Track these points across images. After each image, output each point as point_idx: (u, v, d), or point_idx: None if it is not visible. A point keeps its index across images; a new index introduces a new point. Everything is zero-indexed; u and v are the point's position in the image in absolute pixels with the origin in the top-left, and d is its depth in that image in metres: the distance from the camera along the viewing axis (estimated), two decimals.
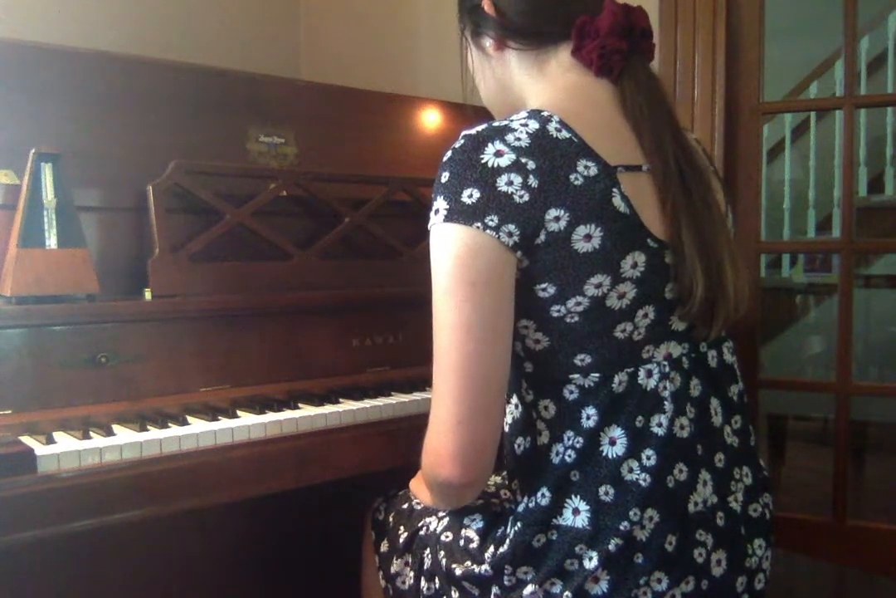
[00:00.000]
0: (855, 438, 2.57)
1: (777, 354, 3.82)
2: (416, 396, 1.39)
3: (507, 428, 1.03)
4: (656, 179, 0.94)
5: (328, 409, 1.29)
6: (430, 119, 1.95)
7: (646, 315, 0.94)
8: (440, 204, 0.90)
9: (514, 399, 1.02)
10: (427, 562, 1.11)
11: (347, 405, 1.32)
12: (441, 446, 0.90)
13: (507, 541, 0.97)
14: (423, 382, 1.45)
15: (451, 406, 0.89)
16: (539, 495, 0.96)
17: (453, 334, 0.88)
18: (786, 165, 4.49)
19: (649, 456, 0.94)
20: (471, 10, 1.06)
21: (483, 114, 2.10)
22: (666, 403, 0.95)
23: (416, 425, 1.33)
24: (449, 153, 0.92)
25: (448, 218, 0.89)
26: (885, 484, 2.92)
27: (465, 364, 0.88)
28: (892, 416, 3.27)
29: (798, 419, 3.52)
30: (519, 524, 0.97)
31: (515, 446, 1.01)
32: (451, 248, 0.89)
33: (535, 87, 1.03)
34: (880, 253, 3.77)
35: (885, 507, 2.49)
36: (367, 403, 1.34)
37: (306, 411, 1.29)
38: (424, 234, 1.67)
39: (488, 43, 1.05)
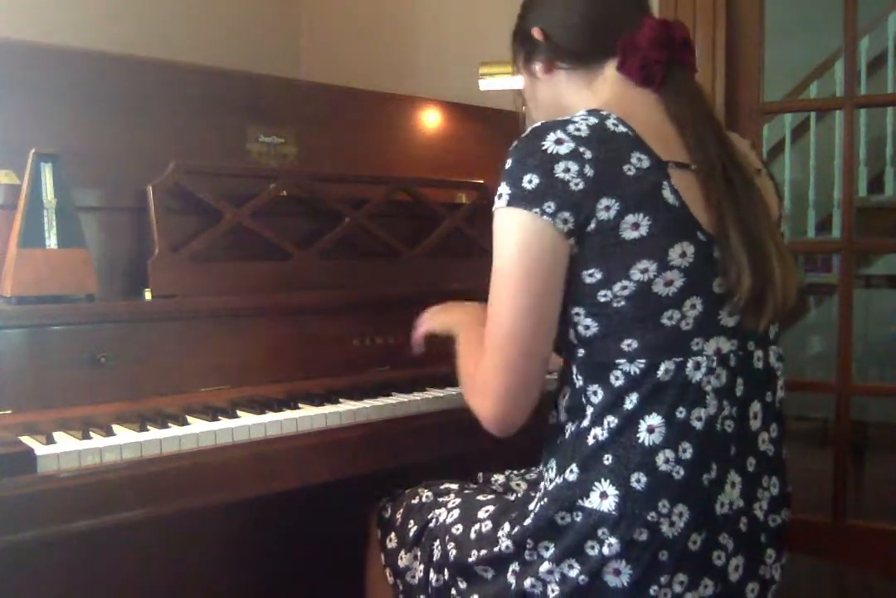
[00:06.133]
0: (855, 438, 2.57)
1: None
2: (417, 396, 1.39)
3: (562, 417, 1.05)
4: (700, 175, 0.99)
5: (328, 409, 1.29)
6: (430, 119, 1.95)
7: (693, 306, 0.97)
8: (503, 189, 0.97)
9: (567, 389, 1.04)
10: (436, 554, 1.12)
11: (347, 405, 1.32)
12: (484, 409, 1.01)
13: (532, 516, 1.00)
14: (424, 382, 1.45)
15: (495, 379, 0.99)
16: (568, 471, 0.98)
17: (505, 315, 0.97)
18: (786, 165, 4.48)
19: (685, 449, 0.95)
20: (523, 39, 1.14)
21: (485, 114, 2.10)
22: (708, 397, 0.97)
23: (416, 425, 1.34)
24: (515, 142, 0.99)
25: (510, 203, 0.96)
26: (885, 484, 2.92)
27: (512, 344, 0.97)
28: (892, 416, 3.27)
29: (798, 419, 3.52)
30: (545, 499, 0.99)
31: (564, 431, 1.03)
32: (512, 232, 0.96)
33: (585, 101, 1.08)
34: (880, 253, 3.77)
35: (885, 507, 2.48)
36: (367, 403, 1.34)
37: (306, 411, 1.28)
38: (424, 234, 1.68)
39: (538, 67, 1.13)
